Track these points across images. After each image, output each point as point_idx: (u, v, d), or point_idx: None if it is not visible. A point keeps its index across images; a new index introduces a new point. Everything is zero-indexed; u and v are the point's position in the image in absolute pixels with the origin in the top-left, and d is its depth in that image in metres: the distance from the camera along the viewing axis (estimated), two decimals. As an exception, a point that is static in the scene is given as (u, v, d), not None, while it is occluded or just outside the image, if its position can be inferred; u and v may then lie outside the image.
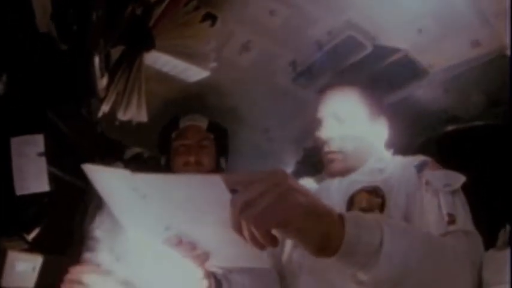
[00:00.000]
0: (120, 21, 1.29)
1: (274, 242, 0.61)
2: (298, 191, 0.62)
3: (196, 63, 1.37)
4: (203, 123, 1.58)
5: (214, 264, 1.00)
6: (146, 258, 1.22)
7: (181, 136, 1.56)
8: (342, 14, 1.37)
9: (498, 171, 1.45)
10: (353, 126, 1.18)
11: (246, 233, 0.61)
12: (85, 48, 1.30)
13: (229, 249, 0.83)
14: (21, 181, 1.38)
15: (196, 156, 1.51)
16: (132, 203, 0.80)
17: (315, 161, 1.27)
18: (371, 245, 0.65)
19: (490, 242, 1.03)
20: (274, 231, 0.62)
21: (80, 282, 1.13)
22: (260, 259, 0.77)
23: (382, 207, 1.07)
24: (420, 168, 1.10)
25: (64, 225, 1.54)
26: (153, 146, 1.65)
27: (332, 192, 1.14)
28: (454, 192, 1.02)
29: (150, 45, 1.29)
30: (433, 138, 1.64)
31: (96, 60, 1.29)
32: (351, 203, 1.10)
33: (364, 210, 1.07)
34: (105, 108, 1.31)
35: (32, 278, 1.39)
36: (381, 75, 1.50)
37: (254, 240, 0.61)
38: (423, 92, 1.56)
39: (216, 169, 1.55)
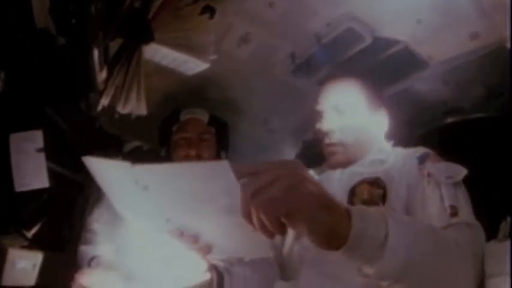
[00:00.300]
0: (119, 14, 1.28)
1: (283, 229, 0.62)
2: (310, 181, 0.62)
3: (196, 55, 1.37)
4: (204, 116, 1.58)
5: (216, 257, 1.00)
6: (147, 251, 1.22)
7: (182, 129, 1.56)
8: (341, 5, 1.37)
9: (498, 163, 1.45)
10: (353, 117, 1.17)
11: (255, 219, 0.61)
12: (84, 42, 1.29)
13: (231, 240, 0.83)
14: (20, 178, 1.37)
15: (196, 150, 1.51)
16: (132, 195, 0.80)
17: (315, 153, 1.26)
18: (377, 239, 0.65)
19: (490, 234, 1.03)
20: (283, 220, 0.62)
21: None
22: (262, 249, 0.77)
23: (383, 199, 1.06)
24: (422, 160, 1.09)
25: (64, 221, 1.53)
26: (153, 139, 1.65)
27: (333, 184, 1.14)
28: (456, 185, 1.01)
29: (149, 38, 1.29)
30: (432, 130, 1.63)
31: (95, 53, 1.29)
32: (352, 194, 1.10)
33: (366, 201, 1.07)
34: (104, 101, 1.31)
35: (33, 275, 1.38)
36: (380, 67, 1.50)
37: (263, 228, 0.61)
38: (423, 84, 1.56)
39: (217, 163, 1.54)
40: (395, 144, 1.23)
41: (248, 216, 0.61)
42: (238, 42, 1.45)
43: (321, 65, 1.51)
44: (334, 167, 1.18)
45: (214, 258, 1.01)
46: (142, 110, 1.35)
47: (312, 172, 1.25)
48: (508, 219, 1.12)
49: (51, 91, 1.40)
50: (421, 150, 1.13)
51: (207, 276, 1.04)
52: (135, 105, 1.32)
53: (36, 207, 1.45)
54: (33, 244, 1.42)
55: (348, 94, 1.19)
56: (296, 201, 0.60)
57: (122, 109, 1.33)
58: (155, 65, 1.41)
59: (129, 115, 1.37)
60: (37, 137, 1.40)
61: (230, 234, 0.79)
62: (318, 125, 1.19)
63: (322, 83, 1.24)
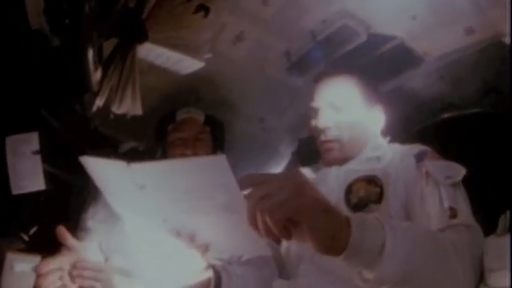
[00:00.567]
0: (113, 13, 1.28)
1: (288, 233, 0.63)
2: (313, 188, 0.65)
3: (190, 54, 1.37)
4: (200, 116, 1.58)
5: (214, 256, 1.00)
6: (144, 249, 1.21)
7: (178, 129, 1.56)
8: (336, 2, 1.37)
9: (494, 158, 1.45)
10: (350, 114, 1.17)
11: (261, 225, 0.62)
12: (78, 42, 1.29)
13: (229, 239, 0.83)
14: (17, 180, 1.37)
15: (192, 149, 1.50)
16: (129, 194, 0.80)
17: (310, 151, 1.26)
18: (375, 246, 0.66)
19: (489, 229, 1.03)
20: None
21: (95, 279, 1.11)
22: (260, 247, 0.77)
23: (380, 197, 1.06)
24: (419, 157, 1.09)
25: (61, 223, 1.52)
26: (149, 139, 1.64)
27: (330, 181, 1.14)
28: (455, 185, 1.01)
29: (143, 37, 1.29)
30: (428, 126, 1.63)
31: (90, 53, 1.28)
32: (348, 192, 1.09)
33: (362, 199, 1.08)
34: (99, 102, 1.30)
35: (31, 278, 1.38)
36: (375, 63, 1.50)
37: (269, 233, 0.63)
38: (418, 80, 1.55)
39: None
40: (392, 141, 1.23)
41: (254, 224, 0.63)
42: (232, 41, 1.45)
43: (316, 63, 1.50)
44: (330, 164, 1.18)
45: (212, 257, 1.01)
46: (138, 110, 1.35)
47: (308, 169, 1.25)
48: (508, 213, 1.12)
49: (46, 92, 1.40)
50: (418, 147, 1.13)
51: (205, 275, 1.04)
52: (130, 105, 1.32)
53: (33, 210, 1.44)
54: (31, 247, 1.41)
55: (344, 90, 1.19)
56: (300, 205, 0.62)
57: (117, 109, 1.33)
58: (149, 64, 1.40)
59: (124, 115, 1.36)
60: (33, 139, 1.39)
61: (228, 233, 0.80)
62: (313, 122, 1.19)
63: (317, 79, 1.24)
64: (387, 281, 0.68)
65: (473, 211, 1.01)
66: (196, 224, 0.81)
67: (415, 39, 1.44)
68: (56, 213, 1.50)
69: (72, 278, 1.04)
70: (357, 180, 1.10)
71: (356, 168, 1.14)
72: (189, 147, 1.50)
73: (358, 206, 1.06)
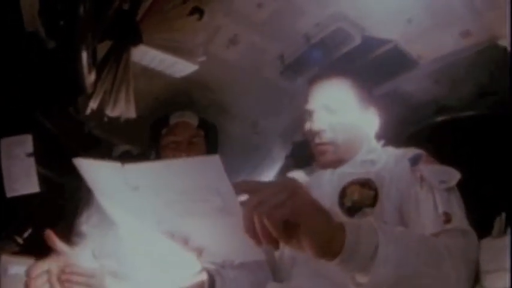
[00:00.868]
0: (108, 15, 1.28)
1: (287, 236, 0.64)
2: (308, 193, 0.66)
3: (184, 57, 1.36)
4: (193, 120, 1.58)
5: (208, 260, 1.00)
6: (137, 253, 1.21)
7: (172, 132, 1.56)
8: (331, 5, 1.37)
9: (489, 160, 1.45)
10: (344, 116, 1.18)
11: (259, 229, 0.63)
12: (73, 43, 1.29)
13: (223, 243, 0.83)
14: (11, 183, 1.36)
15: (186, 153, 1.51)
16: (123, 196, 0.80)
17: (304, 154, 1.26)
18: (368, 250, 0.67)
19: (484, 231, 1.03)
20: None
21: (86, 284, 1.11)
22: (254, 251, 0.77)
23: (374, 200, 1.07)
24: (414, 161, 1.09)
25: (54, 226, 1.52)
26: (142, 142, 1.64)
27: (324, 184, 1.15)
28: (449, 190, 1.01)
29: (137, 40, 1.28)
30: (423, 128, 1.63)
31: (84, 56, 1.28)
32: (343, 195, 1.10)
33: (356, 202, 1.08)
34: (93, 104, 1.30)
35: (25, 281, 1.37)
36: (370, 66, 1.49)
37: (267, 238, 0.63)
38: (413, 83, 1.55)
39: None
40: (386, 144, 1.23)
41: (251, 231, 0.64)
42: (226, 44, 1.45)
43: (310, 66, 1.50)
44: (324, 166, 1.18)
45: (206, 261, 1.01)
46: (131, 113, 1.34)
47: (302, 172, 1.25)
48: (503, 215, 1.13)
49: (41, 95, 1.40)
50: (413, 151, 1.13)
51: (198, 278, 1.04)
52: (124, 108, 1.32)
53: (27, 213, 1.44)
54: (25, 250, 1.41)
55: (338, 93, 1.20)
56: (297, 207, 0.63)
57: (111, 112, 1.32)
58: (143, 67, 1.40)
59: (118, 118, 1.36)
60: (27, 142, 1.39)
61: (222, 237, 0.80)
62: (307, 125, 1.19)
63: (312, 82, 1.24)
64: (380, 285, 0.68)
65: (468, 213, 1.01)
66: (190, 227, 0.81)
67: (410, 42, 1.44)
68: (50, 216, 1.50)
69: (61, 282, 1.04)
70: (351, 184, 1.11)
71: (350, 171, 1.15)
72: (183, 151, 1.51)
73: (352, 209, 1.07)
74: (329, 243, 0.65)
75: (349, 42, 1.43)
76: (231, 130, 1.75)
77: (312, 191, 1.08)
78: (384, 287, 0.69)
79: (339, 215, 1.04)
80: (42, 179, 1.38)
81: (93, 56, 1.32)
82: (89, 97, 1.31)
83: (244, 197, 0.67)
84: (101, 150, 1.62)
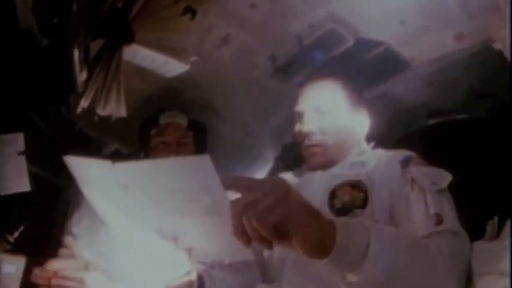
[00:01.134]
0: (101, 13, 1.27)
1: (280, 236, 0.64)
2: (298, 193, 0.67)
3: (176, 56, 1.36)
4: (183, 120, 1.59)
5: (197, 259, 1.00)
6: (127, 253, 1.21)
7: (161, 133, 1.57)
8: (324, 6, 1.36)
9: (482, 164, 1.45)
10: (334, 118, 1.18)
11: (250, 231, 0.63)
12: (65, 41, 1.29)
13: (212, 243, 0.83)
14: (2, 181, 1.35)
15: (175, 154, 1.51)
16: (113, 194, 0.80)
17: (294, 156, 1.26)
18: (359, 249, 0.67)
19: (477, 234, 1.03)
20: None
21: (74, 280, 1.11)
22: (243, 251, 0.77)
23: (364, 202, 1.07)
24: (405, 163, 1.09)
25: (45, 225, 1.52)
26: (132, 142, 1.64)
27: (313, 186, 1.15)
28: (441, 191, 1.01)
29: (129, 39, 1.28)
30: (415, 131, 1.63)
31: (76, 54, 1.28)
32: (333, 196, 1.10)
33: (346, 204, 1.08)
34: (84, 103, 1.30)
35: (16, 279, 1.37)
36: (362, 68, 1.49)
37: (260, 239, 0.63)
38: (405, 85, 1.55)
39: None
40: (378, 146, 1.23)
41: (239, 233, 0.64)
42: (218, 44, 1.45)
43: (302, 67, 1.50)
44: (314, 168, 1.18)
45: (195, 261, 1.01)
46: (122, 112, 1.34)
47: (291, 174, 1.25)
48: (495, 218, 1.13)
49: (33, 93, 1.39)
50: (403, 153, 1.13)
51: (188, 277, 1.04)
52: (114, 108, 1.31)
53: (18, 211, 1.43)
54: (16, 248, 1.40)
55: (329, 95, 1.20)
56: (287, 209, 0.63)
57: (102, 111, 1.32)
58: (135, 66, 1.40)
59: (108, 117, 1.36)
60: (18, 140, 1.38)
61: (211, 236, 0.80)
62: (297, 127, 1.19)
63: (302, 83, 1.24)
64: (371, 284, 0.69)
65: (461, 216, 1.01)
66: (179, 226, 0.81)
67: (403, 44, 1.43)
68: (41, 215, 1.49)
69: (51, 286, 1.05)
70: (341, 185, 1.11)
71: (340, 172, 1.15)
72: (172, 152, 1.52)
73: (342, 211, 1.07)
74: (320, 242, 0.66)
75: (342, 44, 1.42)
76: (222, 131, 1.75)
77: (301, 192, 1.08)
78: (375, 286, 0.69)
79: (329, 217, 1.04)
80: (33, 178, 1.37)
81: (85, 54, 1.32)
82: (80, 96, 1.30)
83: (233, 195, 0.67)
84: (91, 149, 1.61)
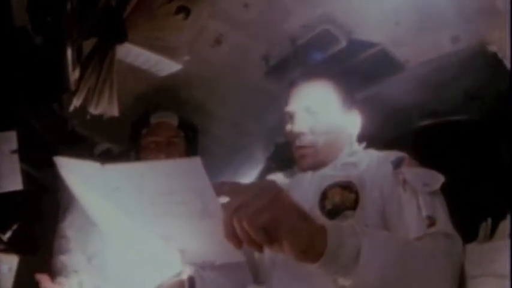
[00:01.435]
0: (94, 12, 1.27)
1: (269, 239, 0.63)
2: (288, 196, 0.66)
3: (169, 56, 1.36)
4: (174, 120, 1.59)
5: (188, 260, 0.99)
6: (120, 254, 1.20)
7: (152, 133, 1.57)
8: (318, 7, 1.37)
9: (475, 165, 1.45)
10: (325, 119, 1.17)
11: (241, 234, 0.63)
12: (59, 40, 1.28)
13: (203, 244, 0.83)
14: (-5, 180, 1.34)
15: (166, 153, 1.51)
16: (103, 197, 0.80)
17: (286, 156, 1.25)
18: (350, 253, 0.67)
19: (470, 236, 1.03)
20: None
21: None
22: (234, 253, 0.77)
23: (355, 203, 1.06)
24: (396, 164, 1.08)
25: (37, 224, 1.51)
26: (124, 141, 1.63)
27: (304, 187, 1.14)
28: (433, 193, 1.00)
29: (122, 37, 1.28)
30: (408, 132, 1.63)
31: (69, 52, 1.27)
32: (323, 197, 1.09)
33: (337, 205, 1.07)
34: (76, 102, 1.29)
35: (9, 278, 1.37)
36: (356, 69, 1.49)
37: (250, 242, 0.63)
38: (399, 86, 1.55)
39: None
40: (371, 147, 1.22)
41: (230, 236, 0.64)
42: (211, 44, 1.45)
43: (295, 67, 1.49)
44: (305, 169, 1.18)
45: (186, 262, 1.00)
46: (114, 111, 1.34)
47: (282, 175, 1.24)
48: (489, 220, 1.12)
49: (26, 91, 1.39)
50: (395, 154, 1.12)
51: (179, 278, 1.04)
52: (106, 106, 1.31)
53: (10, 211, 1.43)
54: (9, 248, 1.40)
55: (320, 95, 1.19)
56: (278, 211, 0.63)
57: (94, 110, 1.32)
58: (127, 65, 1.40)
59: (100, 116, 1.35)
60: (11, 138, 1.37)
61: (202, 238, 0.80)
62: (288, 127, 1.19)
63: (293, 84, 1.23)
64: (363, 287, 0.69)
65: (454, 218, 1.01)
66: (170, 228, 0.81)
67: (397, 45, 1.44)
68: (33, 214, 1.49)
69: None
70: (332, 186, 1.10)
71: (331, 173, 1.14)
72: (162, 151, 1.52)
73: (333, 212, 1.06)
74: (310, 246, 0.65)
75: (335, 45, 1.43)
76: (213, 130, 1.75)
77: (292, 193, 1.07)
78: None
79: (319, 218, 1.03)
80: (26, 176, 1.36)
81: (78, 53, 1.31)
82: (73, 94, 1.30)
83: (224, 199, 0.67)
84: (83, 148, 1.61)
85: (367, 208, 1.04)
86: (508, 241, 0.96)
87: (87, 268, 1.36)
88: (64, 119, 1.46)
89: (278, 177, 1.25)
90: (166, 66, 1.40)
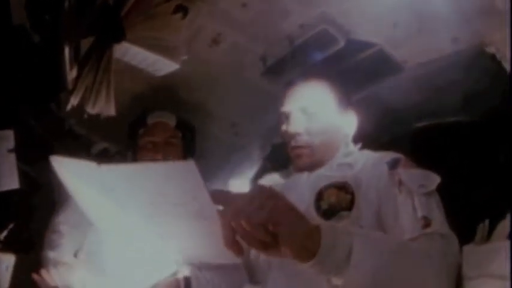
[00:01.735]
0: (92, 10, 1.27)
1: (269, 236, 0.64)
2: (284, 198, 0.67)
3: (167, 55, 1.36)
4: (171, 120, 1.59)
5: (184, 261, 0.99)
6: (116, 252, 1.21)
7: (149, 133, 1.57)
8: (316, 7, 1.37)
9: (472, 167, 1.45)
10: (321, 119, 1.18)
11: (241, 235, 0.64)
12: (57, 38, 1.28)
13: (200, 245, 0.83)
14: (-7, 179, 1.34)
15: (163, 154, 1.51)
16: (99, 196, 0.80)
17: (284, 156, 1.25)
18: (342, 253, 0.68)
19: (466, 237, 1.03)
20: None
21: None
22: (230, 255, 0.77)
23: (351, 204, 1.06)
24: (392, 165, 1.08)
25: (34, 223, 1.51)
26: (121, 140, 1.63)
27: (300, 187, 1.15)
28: (429, 194, 1.00)
29: (120, 36, 1.27)
30: (405, 133, 1.63)
31: (67, 51, 1.27)
32: (319, 197, 1.10)
33: (333, 205, 1.07)
34: (73, 101, 1.29)
35: (6, 277, 1.37)
36: (354, 69, 1.49)
37: (251, 241, 0.65)
38: (397, 87, 1.55)
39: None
40: (369, 148, 1.22)
41: (231, 243, 0.65)
42: (209, 43, 1.45)
43: (293, 68, 1.49)
44: (300, 169, 1.18)
45: (182, 262, 1.00)
46: (111, 111, 1.34)
47: (278, 175, 1.25)
48: (486, 222, 1.12)
49: (23, 90, 1.39)
50: (391, 155, 1.13)
51: (174, 278, 1.04)
52: (104, 106, 1.31)
53: (7, 210, 1.43)
54: (5, 246, 1.40)
55: (316, 95, 1.20)
56: (275, 209, 0.64)
57: (91, 109, 1.32)
58: (125, 65, 1.40)
59: (97, 115, 1.35)
60: (8, 137, 1.37)
61: (199, 239, 0.80)
62: (283, 127, 1.19)
63: (289, 84, 1.23)
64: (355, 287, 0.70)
65: (451, 219, 1.00)
66: (166, 228, 0.81)
67: (395, 46, 1.44)
68: (29, 213, 1.49)
69: None
70: (328, 187, 1.10)
71: (327, 174, 1.14)
72: (159, 152, 1.51)
73: (329, 213, 1.06)
74: (305, 246, 0.66)
75: (333, 45, 1.43)
76: (211, 130, 1.75)
77: (288, 193, 1.08)
78: None
79: (315, 218, 1.04)
80: (22, 175, 1.36)
81: (75, 51, 1.31)
82: (70, 93, 1.30)
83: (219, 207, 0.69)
84: (81, 147, 1.61)
85: (362, 209, 1.05)
86: (506, 242, 0.96)
87: (76, 263, 1.37)
88: (61, 118, 1.45)
89: (274, 178, 1.26)
90: (164, 65, 1.40)
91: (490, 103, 1.44)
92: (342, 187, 1.08)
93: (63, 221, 1.45)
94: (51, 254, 1.40)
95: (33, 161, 1.41)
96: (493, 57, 1.32)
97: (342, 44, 1.42)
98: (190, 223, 0.74)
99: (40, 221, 1.50)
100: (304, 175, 1.17)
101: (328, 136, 1.18)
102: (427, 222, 0.95)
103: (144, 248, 0.93)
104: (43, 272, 1.27)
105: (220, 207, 0.68)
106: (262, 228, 0.64)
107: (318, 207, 1.07)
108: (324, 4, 1.35)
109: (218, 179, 1.80)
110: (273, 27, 1.42)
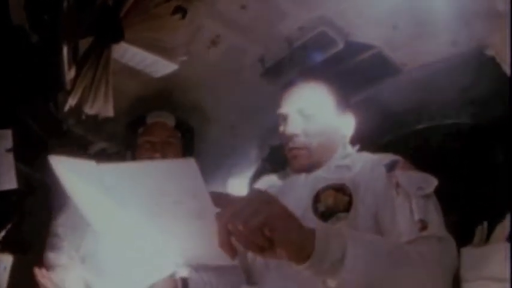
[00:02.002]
0: (91, 10, 1.27)
1: (267, 239, 0.65)
2: (278, 201, 0.68)
3: (166, 56, 1.36)
4: (170, 120, 1.60)
5: (181, 262, 0.99)
6: (114, 254, 1.21)
7: (148, 132, 1.57)
8: (315, 9, 1.37)
9: (471, 170, 1.45)
10: (318, 121, 1.18)
11: (238, 238, 0.65)
12: (55, 38, 1.28)
13: (198, 246, 0.83)
14: (-11, 179, 1.34)
15: (161, 153, 1.51)
16: (98, 196, 0.80)
17: (282, 158, 1.26)
18: (336, 255, 0.69)
19: (463, 240, 1.03)
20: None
21: None
22: (226, 257, 0.77)
23: (349, 206, 1.07)
24: (390, 167, 1.09)
25: (32, 223, 1.51)
26: (119, 141, 1.63)
27: (298, 188, 1.15)
28: (426, 196, 1.01)
29: (119, 36, 1.27)
30: (404, 136, 1.63)
31: (65, 51, 1.27)
32: (317, 199, 1.11)
33: (330, 207, 1.08)
34: (71, 101, 1.29)
35: (4, 278, 1.37)
36: (352, 71, 1.50)
37: (248, 244, 0.65)
38: (395, 90, 1.56)
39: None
40: (366, 149, 1.22)
41: (226, 245, 0.66)
42: (208, 45, 1.46)
43: (290, 69, 1.49)
44: (298, 171, 1.19)
45: (179, 263, 1.00)
46: (109, 112, 1.34)
47: (275, 177, 1.25)
48: (485, 224, 1.13)
49: (22, 90, 1.38)
50: (389, 157, 1.13)
51: (172, 279, 1.04)
52: (102, 106, 1.31)
53: (5, 210, 1.43)
54: (3, 247, 1.40)
55: (313, 98, 1.20)
56: (271, 212, 0.65)
57: (89, 109, 1.31)
58: (123, 65, 1.40)
59: (95, 116, 1.35)
60: (6, 137, 1.37)
61: (197, 239, 0.80)
62: (281, 129, 1.19)
63: (287, 86, 1.23)
64: None
65: (450, 222, 1.01)
66: (165, 228, 0.81)
67: (394, 49, 1.44)
68: (27, 213, 1.48)
69: None
70: (326, 188, 1.11)
71: (325, 176, 1.15)
72: (158, 151, 1.52)
73: (326, 214, 1.07)
74: (301, 248, 0.68)
75: (332, 47, 1.42)
76: (209, 131, 1.75)
77: (285, 195, 1.09)
78: None
79: (313, 220, 1.05)
80: (21, 176, 1.36)
81: (74, 51, 1.31)
82: (68, 94, 1.30)
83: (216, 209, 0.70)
84: (79, 147, 1.61)
85: (360, 211, 1.05)
86: (506, 244, 0.97)
87: (76, 265, 1.37)
88: (59, 118, 1.45)
89: (272, 179, 1.26)
90: (162, 66, 1.40)
91: (489, 105, 1.44)
92: (340, 189, 1.09)
93: (61, 223, 1.46)
94: (50, 255, 1.41)
95: (31, 160, 1.41)
96: (492, 59, 1.32)
97: (340, 46, 1.41)
98: (189, 222, 0.75)
99: (38, 222, 1.50)
100: (302, 177, 1.17)
101: (326, 138, 1.18)
102: (424, 225, 0.95)
103: (143, 247, 0.93)
104: (44, 272, 1.26)
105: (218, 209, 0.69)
106: (258, 232, 0.64)
107: (315, 209, 1.08)
108: (323, 6, 1.35)
109: (217, 178, 1.81)
110: (272, 29, 1.42)
